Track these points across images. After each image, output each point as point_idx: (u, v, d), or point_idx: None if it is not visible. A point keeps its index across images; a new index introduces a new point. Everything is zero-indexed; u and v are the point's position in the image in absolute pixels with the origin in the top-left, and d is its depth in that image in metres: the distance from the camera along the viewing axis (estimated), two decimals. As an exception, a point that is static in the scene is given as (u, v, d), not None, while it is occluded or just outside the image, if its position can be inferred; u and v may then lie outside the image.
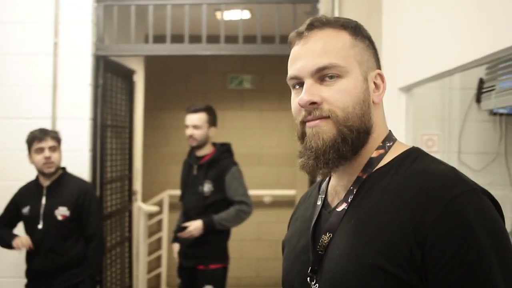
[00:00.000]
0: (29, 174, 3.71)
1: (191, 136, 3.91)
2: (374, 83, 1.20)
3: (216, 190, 3.84)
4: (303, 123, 1.19)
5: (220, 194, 3.84)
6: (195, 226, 3.76)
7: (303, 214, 1.33)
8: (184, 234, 3.79)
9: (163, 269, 6.58)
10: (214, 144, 4.03)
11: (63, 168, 3.66)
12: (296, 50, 1.23)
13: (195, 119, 3.90)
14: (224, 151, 4.00)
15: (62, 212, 3.51)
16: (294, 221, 1.40)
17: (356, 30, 1.20)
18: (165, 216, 6.59)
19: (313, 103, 1.16)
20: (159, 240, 6.66)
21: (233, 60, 6.81)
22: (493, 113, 3.44)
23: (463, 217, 0.99)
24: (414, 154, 1.16)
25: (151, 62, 6.16)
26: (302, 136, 1.21)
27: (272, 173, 7.10)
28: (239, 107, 7.18)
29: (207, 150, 3.97)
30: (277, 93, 7.10)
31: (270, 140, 7.12)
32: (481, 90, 3.41)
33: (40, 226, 3.47)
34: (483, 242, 0.97)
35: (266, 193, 6.96)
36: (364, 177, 1.16)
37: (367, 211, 1.10)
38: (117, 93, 4.64)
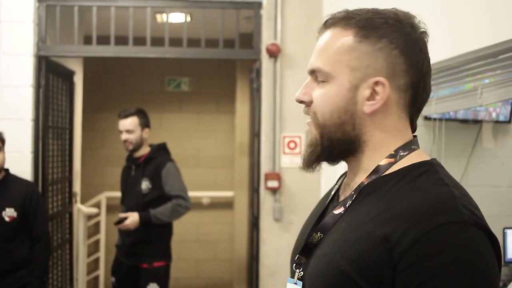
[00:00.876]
0: None
1: (126, 141, 4.01)
2: (374, 90, 1.10)
3: (154, 187, 3.93)
4: None
5: (158, 190, 3.93)
6: (131, 219, 3.84)
7: (322, 200, 1.31)
8: (121, 227, 3.87)
9: (101, 272, 6.53)
10: (150, 145, 4.12)
11: (6, 170, 3.60)
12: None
13: (127, 124, 3.98)
14: (158, 149, 4.10)
15: (9, 213, 3.47)
16: (316, 204, 1.36)
17: (368, 30, 1.10)
18: (102, 218, 6.54)
19: (301, 101, 1.18)
20: (97, 243, 6.60)
21: (171, 62, 6.83)
22: (427, 118, 3.62)
23: (440, 249, 0.95)
24: (423, 168, 1.08)
25: (89, 63, 6.11)
26: None
27: (209, 175, 7.16)
28: (177, 109, 7.20)
29: (143, 151, 4.07)
30: (214, 96, 7.19)
31: (207, 143, 7.17)
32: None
33: None
34: (454, 280, 0.94)
35: (204, 195, 7.02)
36: (366, 183, 1.12)
37: (356, 217, 1.08)
38: (58, 94, 4.59)
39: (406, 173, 1.08)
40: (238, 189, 6.37)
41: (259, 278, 4.28)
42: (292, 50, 4.23)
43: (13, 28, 4.08)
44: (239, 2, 4.31)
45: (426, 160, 1.11)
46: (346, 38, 1.12)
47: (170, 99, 7.21)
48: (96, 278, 6.53)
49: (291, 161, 4.18)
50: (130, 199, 4.04)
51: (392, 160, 1.11)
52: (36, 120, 4.12)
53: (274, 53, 4.16)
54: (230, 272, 6.88)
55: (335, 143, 1.14)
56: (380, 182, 1.09)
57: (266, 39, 4.24)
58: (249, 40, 4.43)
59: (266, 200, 4.22)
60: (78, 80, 5.40)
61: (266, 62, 4.23)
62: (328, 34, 1.15)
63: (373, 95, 1.10)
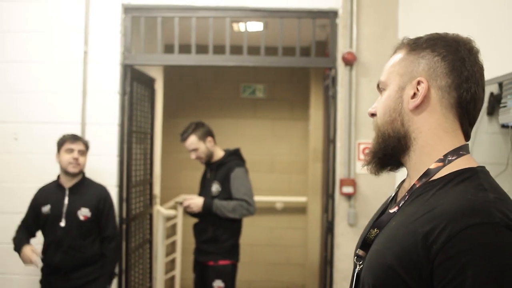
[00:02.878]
0: (53, 177, 3.91)
1: (196, 158, 4.25)
2: (417, 89, 1.26)
3: (223, 190, 4.13)
4: None
5: (226, 193, 4.12)
6: (195, 201, 4.10)
7: (385, 201, 1.45)
8: (184, 205, 4.15)
9: (177, 272, 6.74)
10: (225, 150, 4.32)
11: (83, 173, 3.90)
12: None
13: (189, 145, 4.21)
14: (231, 154, 4.29)
15: (84, 213, 3.75)
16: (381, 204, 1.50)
17: (416, 45, 1.30)
18: (179, 220, 6.75)
19: (372, 114, 1.37)
20: (174, 244, 6.82)
21: (246, 69, 6.99)
22: (504, 126, 3.60)
23: (470, 247, 1.03)
24: (466, 174, 1.19)
25: (167, 70, 6.35)
26: None
27: (283, 180, 7.26)
28: (252, 116, 7.36)
29: (217, 157, 4.27)
30: (288, 102, 7.30)
31: (282, 148, 7.28)
32: (492, 103, 3.58)
33: (62, 224, 3.69)
34: (479, 275, 1.01)
35: (278, 200, 7.13)
36: (417, 185, 1.24)
37: (405, 217, 1.20)
38: (141, 100, 4.83)
39: (452, 178, 1.19)
40: (312, 195, 6.45)
41: (333, 282, 4.33)
42: (367, 58, 4.28)
43: (101, 39, 4.33)
44: (315, 11, 4.39)
45: (472, 167, 1.21)
46: (400, 54, 1.33)
47: (245, 105, 7.36)
48: (173, 278, 6.75)
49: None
50: None
51: (441, 164, 1.23)
52: (121, 125, 4.35)
53: (349, 61, 4.22)
54: (302, 277, 6.95)
55: (387, 139, 1.30)
56: (428, 186, 1.22)
57: (342, 47, 4.30)
58: (323, 47, 4.50)
59: (341, 206, 4.27)
60: (159, 87, 5.64)
61: (341, 70, 4.30)
62: (392, 57, 1.37)
63: (416, 94, 1.27)
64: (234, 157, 4.28)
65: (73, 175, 3.78)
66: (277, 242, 7.22)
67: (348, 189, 4.21)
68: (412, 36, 1.35)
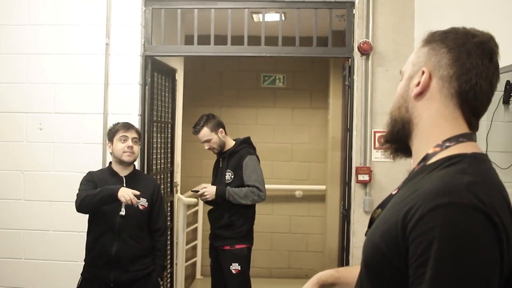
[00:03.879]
0: (77, 166, 4.10)
1: (209, 149, 4.40)
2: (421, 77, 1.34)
3: (236, 177, 4.29)
4: None
5: (239, 180, 4.27)
6: (209, 189, 4.26)
7: None
8: (198, 195, 4.32)
9: (198, 258, 6.87)
10: (236, 140, 4.47)
11: (134, 164, 3.82)
12: None
13: (202, 136, 4.37)
14: (242, 142, 4.44)
15: (142, 202, 3.63)
16: None
17: (432, 37, 1.37)
18: (200, 208, 6.87)
19: None
20: (195, 231, 6.95)
21: (266, 59, 7.02)
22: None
23: (435, 226, 1.08)
24: (455, 159, 1.23)
25: (188, 61, 6.44)
26: None
27: (303, 169, 7.35)
28: (271, 105, 7.44)
29: (228, 146, 4.43)
30: (308, 92, 7.37)
31: (301, 137, 7.37)
32: (508, 91, 3.60)
33: (122, 212, 3.54)
34: (441, 254, 1.07)
35: (297, 188, 7.22)
36: (416, 169, 1.32)
37: (396, 198, 1.27)
38: (161, 90, 4.93)
39: (441, 163, 1.24)
40: (331, 183, 6.51)
41: (349, 269, 4.39)
42: (383, 47, 4.32)
43: (122, 31, 4.43)
44: (332, 2, 4.44)
45: (463, 153, 1.24)
46: (418, 47, 1.41)
47: (265, 94, 7.45)
48: (194, 265, 6.88)
49: (381, 156, 4.29)
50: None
51: (438, 149, 1.29)
52: (142, 115, 4.46)
53: (366, 51, 4.27)
54: (321, 264, 7.04)
55: (394, 124, 1.40)
56: (422, 170, 1.28)
57: (358, 37, 4.35)
58: (342, 37, 4.54)
59: (357, 193, 4.34)
60: (179, 77, 5.74)
61: (358, 60, 4.35)
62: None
63: (420, 82, 1.34)
64: (245, 145, 4.42)
65: (127, 164, 3.69)
66: (296, 230, 7.32)
67: (364, 177, 4.27)
68: (428, 25, 1.42)
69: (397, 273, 1.17)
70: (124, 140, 3.64)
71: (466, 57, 1.29)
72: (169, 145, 5.26)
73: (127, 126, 3.71)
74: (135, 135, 3.70)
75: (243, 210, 4.27)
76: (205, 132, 4.34)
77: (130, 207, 3.50)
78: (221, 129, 4.38)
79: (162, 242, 3.81)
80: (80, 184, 3.63)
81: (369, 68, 4.31)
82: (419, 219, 1.11)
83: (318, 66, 7.23)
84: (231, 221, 4.25)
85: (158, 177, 4.88)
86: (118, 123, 3.77)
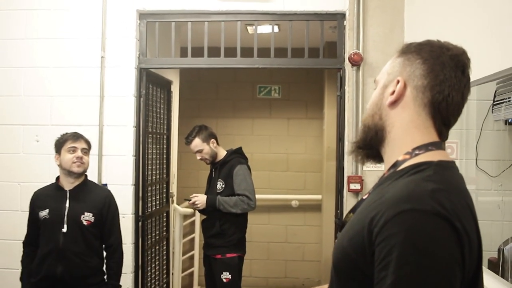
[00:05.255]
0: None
1: (201, 159, 4.49)
2: (396, 87, 1.38)
3: (226, 186, 4.36)
4: None
5: (229, 190, 4.34)
6: (200, 198, 4.35)
7: None
8: (190, 203, 4.41)
9: (195, 268, 6.90)
10: (228, 150, 4.55)
11: (86, 175, 3.63)
12: None
13: (193, 147, 4.46)
14: (232, 152, 4.52)
15: (87, 217, 3.45)
16: None
17: (407, 48, 1.41)
18: (197, 218, 6.90)
19: None
20: (192, 241, 6.99)
21: (262, 70, 7.08)
22: (508, 122, 3.66)
23: (398, 231, 1.11)
24: (423, 166, 1.27)
25: (184, 73, 6.51)
26: None
27: (299, 179, 7.40)
28: (267, 115, 7.50)
29: (221, 157, 4.51)
30: (303, 102, 7.43)
31: (297, 147, 7.42)
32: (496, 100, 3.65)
33: (64, 229, 3.37)
34: (402, 259, 1.09)
35: (294, 198, 7.26)
36: (385, 175, 1.36)
37: (364, 204, 1.31)
38: (157, 102, 5.00)
39: (408, 170, 1.27)
40: (326, 193, 6.55)
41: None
42: (373, 58, 4.39)
43: (118, 44, 4.51)
44: (323, 14, 4.51)
45: (430, 161, 1.28)
46: (394, 57, 1.45)
47: (261, 105, 7.51)
48: (191, 275, 6.91)
49: (372, 165, 4.33)
50: None
51: (408, 157, 1.33)
52: (137, 127, 4.52)
53: (356, 62, 4.33)
54: (318, 273, 7.07)
55: (367, 131, 1.43)
56: (390, 176, 1.31)
57: (349, 48, 4.42)
58: (335, 48, 4.61)
59: (349, 202, 4.39)
60: (175, 89, 5.80)
61: (349, 71, 4.42)
62: None
63: (394, 91, 1.38)
64: (236, 155, 4.50)
65: (76, 175, 3.49)
66: (293, 239, 7.36)
67: (355, 186, 4.33)
68: (418, 37, 1.46)
69: (364, 277, 1.19)
70: (73, 151, 3.46)
71: (440, 69, 1.33)
72: (164, 156, 5.32)
73: (76, 136, 3.53)
74: (85, 146, 3.53)
75: (234, 218, 4.32)
76: (196, 142, 4.41)
77: (72, 223, 3.38)
78: (213, 140, 4.45)
79: (115, 260, 3.59)
80: (27, 223, 3.56)
81: (360, 78, 4.38)
82: (384, 224, 1.14)
83: (313, 77, 7.30)
84: (222, 229, 4.31)
85: (153, 187, 4.93)
86: (66, 133, 3.58)
